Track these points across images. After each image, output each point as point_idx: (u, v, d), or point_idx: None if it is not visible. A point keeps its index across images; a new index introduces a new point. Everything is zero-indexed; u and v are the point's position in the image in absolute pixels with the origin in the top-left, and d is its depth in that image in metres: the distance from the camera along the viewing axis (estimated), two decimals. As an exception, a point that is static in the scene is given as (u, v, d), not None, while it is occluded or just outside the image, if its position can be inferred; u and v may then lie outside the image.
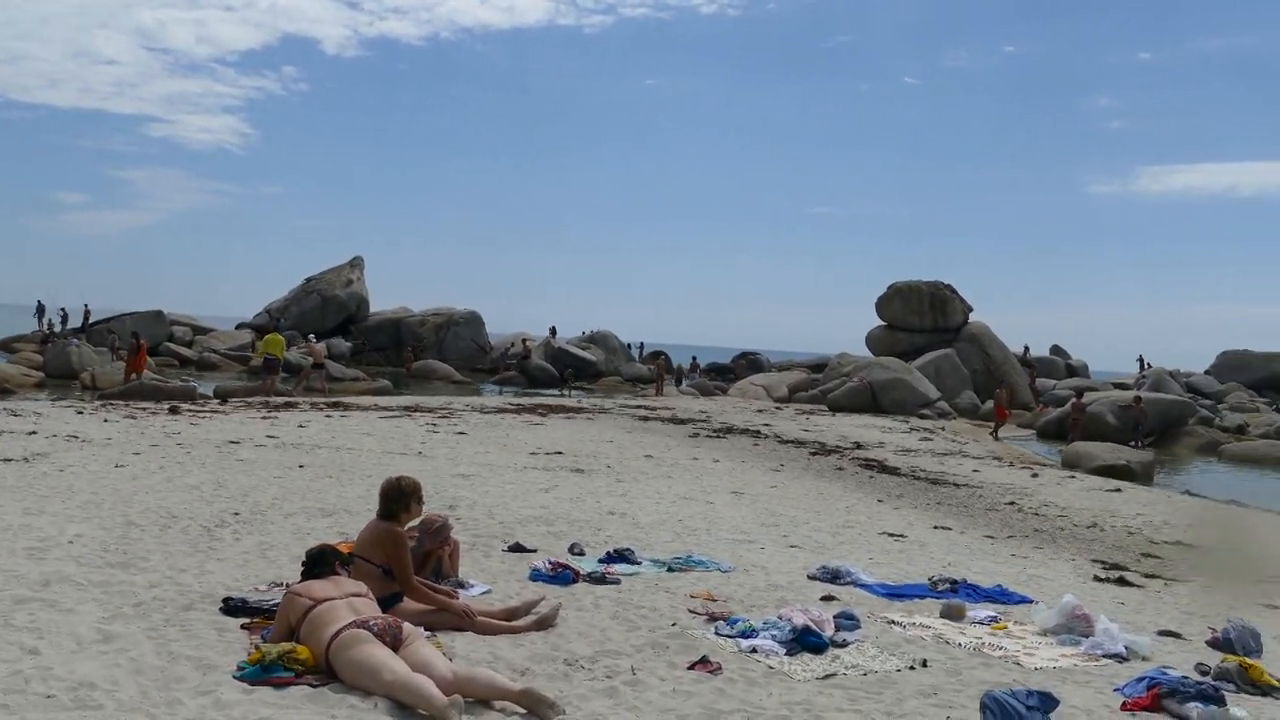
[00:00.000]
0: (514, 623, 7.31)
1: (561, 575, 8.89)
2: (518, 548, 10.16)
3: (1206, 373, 58.05)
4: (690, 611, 8.09)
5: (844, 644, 7.40)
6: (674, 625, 7.65)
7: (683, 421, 29.65)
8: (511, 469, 16.63)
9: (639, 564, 9.76)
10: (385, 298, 67.70)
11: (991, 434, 35.46)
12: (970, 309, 50.55)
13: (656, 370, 49.90)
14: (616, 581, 8.99)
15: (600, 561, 9.69)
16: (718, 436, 26.03)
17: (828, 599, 8.90)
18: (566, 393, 43.86)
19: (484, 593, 8.35)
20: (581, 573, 9.05)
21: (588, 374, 53.14)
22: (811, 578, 9.81)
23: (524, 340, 57.20)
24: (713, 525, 12.63)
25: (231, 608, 7.19)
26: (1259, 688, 7.12)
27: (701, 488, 16.19)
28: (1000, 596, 9.66)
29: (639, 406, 35.64)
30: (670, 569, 9.71)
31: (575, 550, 10.17)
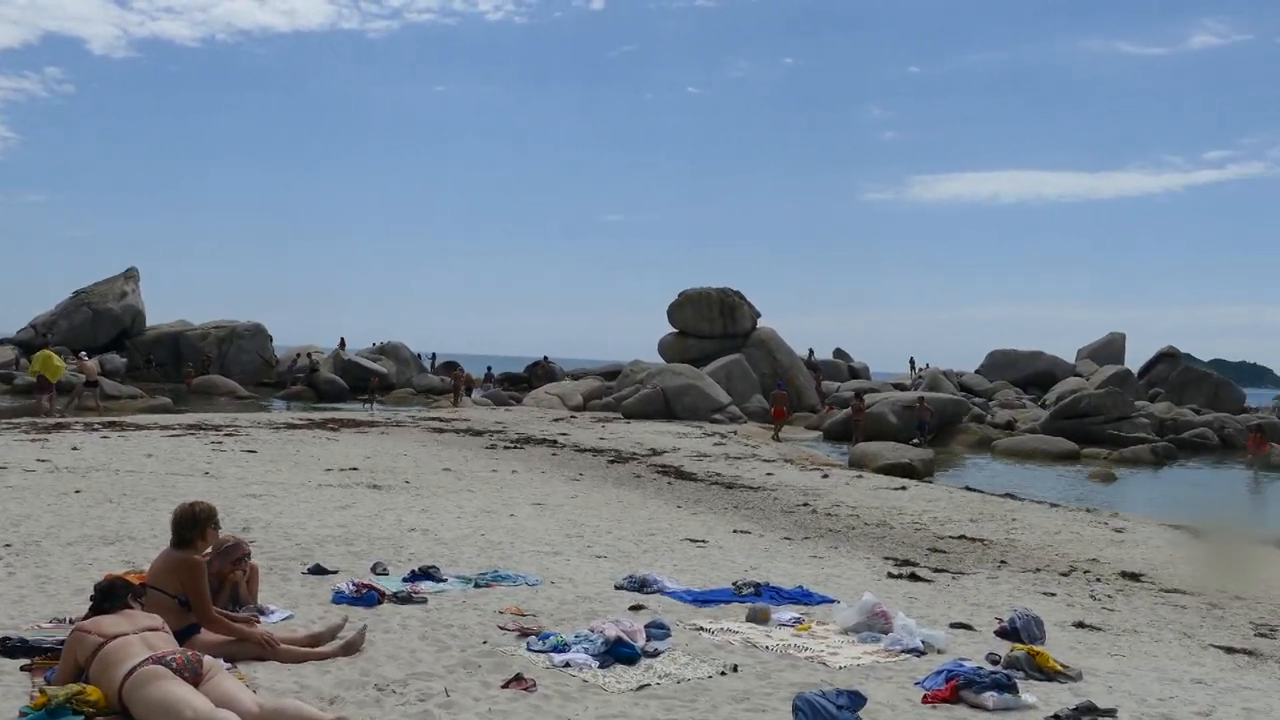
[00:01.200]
0: (319, 649, 7.06)
1: (366, 596, 8.65)
2: (318, 569, 9.83)
3: (977, 371, 61.02)
4: (500, 628, 7.99)
5: (656, 653, 7.44)
6: (485, 643, 7.54)
7: (479, 433, 29.39)
8: (306, 487, 16.13)
9: (445, 581, 9.58)
10: (163, 311, 64.81)
11: (773, 436, 36.31)
12: (758, 314, 51.81)
13: (454, 381, 49.36)
14: (423, 600, 8.80)
15: (405, 580, 9.48)
16: (515, 447, 25.90)
17: (637, 608, 8.94)
18: (369, 408, 42.70)
19: (285, 619, 8.04)
20: (386, 593, 8.83)
21: (381, 386, 52.08)
22: (619, 587, 9.84)
23: (310, 353, 55.66)
24: (517, 538, 12.53)
25: (9, 648, 6.70)
26: (1045, 673, 7.49)
27: (503, 500, 16.07)
28: (803, 598, 9.89)
29: (433, 418, 35.16)
30: (477, 585, 9.58)
31: (378, 570, 9.92)
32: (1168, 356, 61.93)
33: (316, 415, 33.88)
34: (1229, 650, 9.32)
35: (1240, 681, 8.09)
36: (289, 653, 6.90)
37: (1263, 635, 10.21)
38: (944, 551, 14.22)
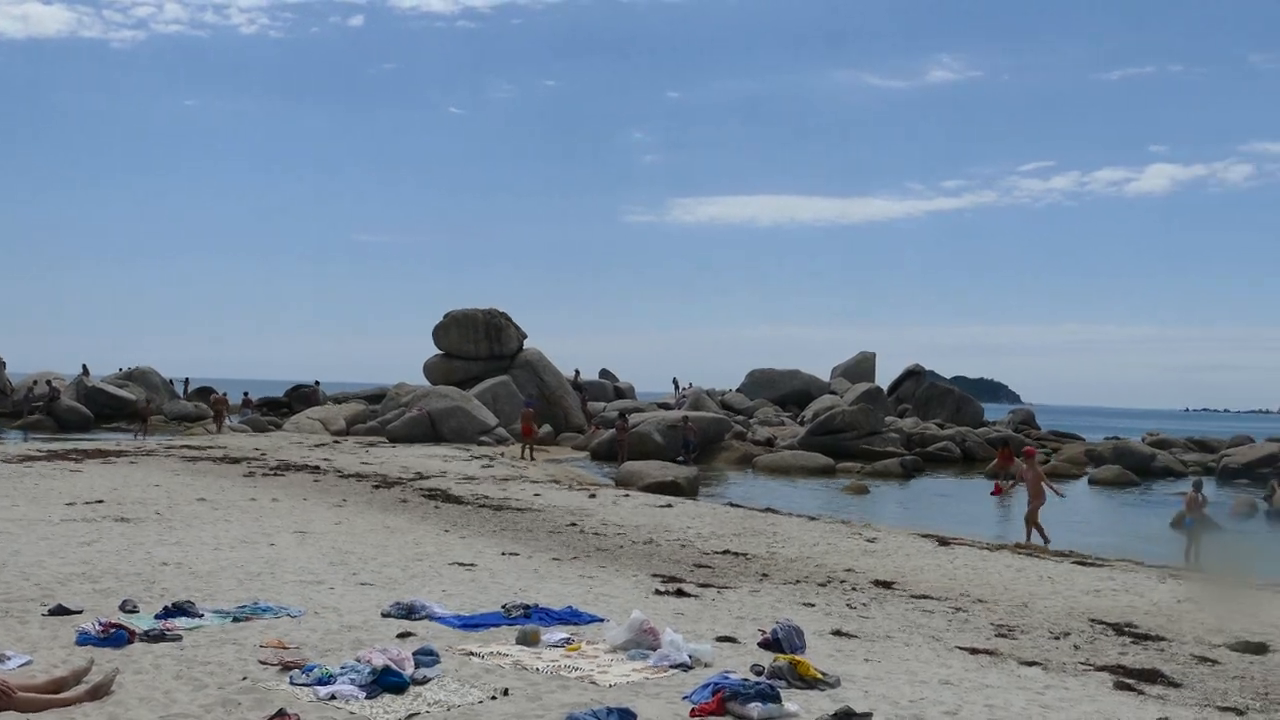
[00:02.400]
0: (63, 694, 6.65)
1: (114, 636, 8.19)
2: (60, 610, 9.26)
3: (738, 390, 62.76)
4: (262, 663, 7.71)
5: (425, 681, 7.33)
6: (245, 679, 7.26)
7: (236, 460, 28.31)
8: (45, 522, 15.18)
9: (201, 616, 9.19)
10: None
11: (522, 454, 36.19)
12: (525, 335, 51.83)
13: (214, 406, 47.45)
14: (178, 638, 8.41)
15: (157, 617, 9.03)
16: (275, 474, 25.07)
17: (405, 636, 8.79)
18: (139, 436, 40.12)
19: (24, 664, 7.53)
20: (137, 632, 8.39)
21: (126, 413, 49.53)
22: (386, 615, 9.66)
23: (49, 380, 52.41)
24: (277, 568, 12.12)
25: None
26: (807, 681, 7.77)
27: (262, 529, 15.52)
28: (572, 618, 9.94)
29: (186, 446, 33.66)
30: (236, 619, 9.22)
31: (128, 608, 9.43)
32: (914, 374, 65.30)
33: (59, 446, 31.94)
34: (973, 651, 9.86)
35: (983, 680, 8.58)
36: (28, 701, 6.47)
37: (1002, 635, 10.85)
38: (709, 567, 14.54)
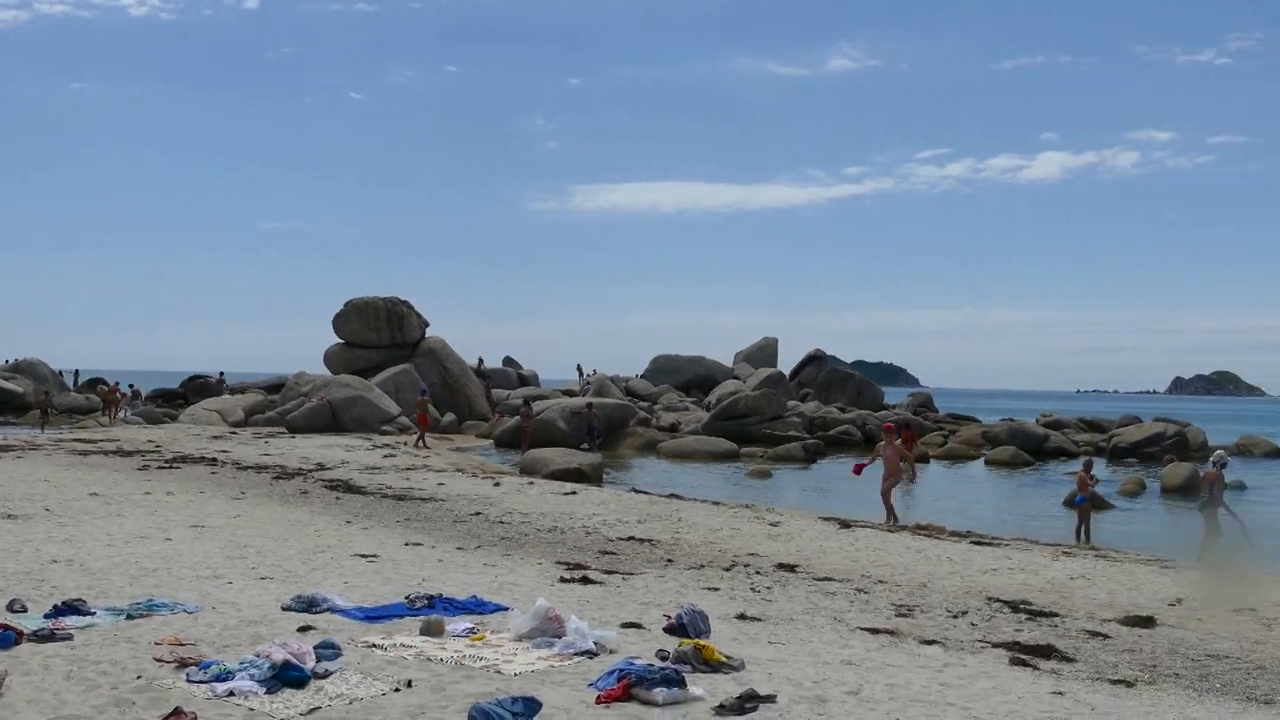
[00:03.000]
0: (-54, 699, 6.42)
1: (1, 637, 7.93)
2: (-57, 611, 8.94)
3: (642, 376, 62.86)
4: (157, 660, 7.53)
5: (326, 674, 7.23)
6: (139, 678, 7.09)
7: (130, 453, 27.62)
8: (-73, 521, 14.65)
9: (93, 615, 8.93)
10: None
11: (414, 443, 35.84)
12: (427, 324, 51.29)
13: (104, 397, 46.24)
14: (69, 637, 8.17)
15: (47, 617, 8.76)
16: (171, 467, 24.51)
17: (305, 629, 8.66)
18: (43, 429, 38.42)
19: (-96, 668, 7.26)
20: (25, 632, 8.13)
21: (14, 405, 48.03)
22: (286, 609, 9.50)
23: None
24: (173, 563, 11.85)
25: None
26: (711, 665, 7.82)
27: (157, 524, 15.15)
28: (476, 607, 9.88)
29: (77, 439, 32.75)
30: (130, 616, 8.99)
31: (15, 607, 9.13)
32: (815, 359, 66.04)
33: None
34: (874, 631, 10.02)
35: (884, 660, 8.72)
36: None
37: (902, 615, 11.04)
38: (614, 553, 14.56)
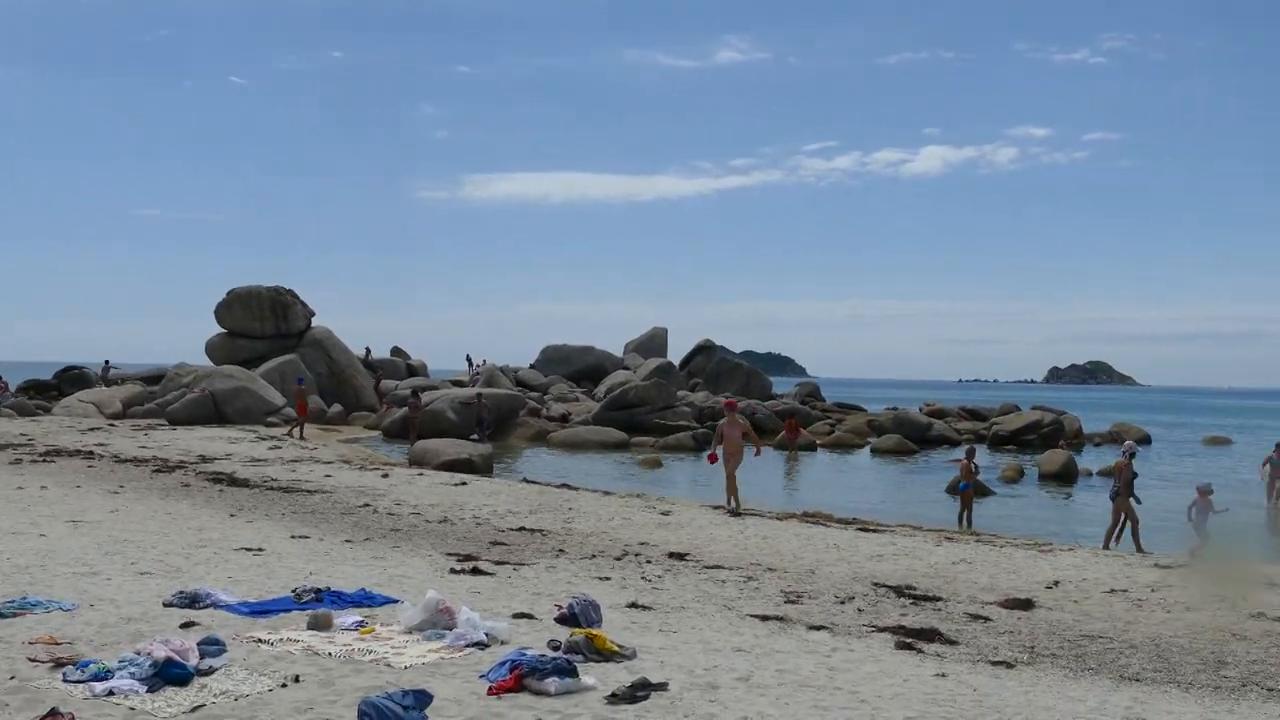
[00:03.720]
0: None
1: None
2: None
3: (532, 367, 62.66)
4: (31, 660, 7.28)
5: (210, 671, 7.06)
6: (12, 679, 6.84)
7: (1, 447, 26.66)
8: None
9: (-38, 614, 8.61)
10: None
11: (288, 432, 35.26)
12: (313, 313, 50.41)
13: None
14: (-64, 637, 7.86)
15: (-88, 617, 8.43)
16: (44, 461, 23.73)
17: (188, 625, 8.45)
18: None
19: None
20: (-111, 633, 7.81)
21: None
22: (168, 605, 9.27)
23: None
24: (48, 560, 11.47)
25: None
26: (603, 654, 7.83)
27: (30, 519, 14.65)
28: (365, 600, 9.76)
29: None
30: (2, 615, 8.68)
31: (-122, 607, 8.75)
32: (705, 349, 66.47)
33: None
34: (763, 618, 10.14)
35: (774, 646, 8.84)
36: None
37: (791, 602, 11.19)
38: (505, 544, 14.50)
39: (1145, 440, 48.83)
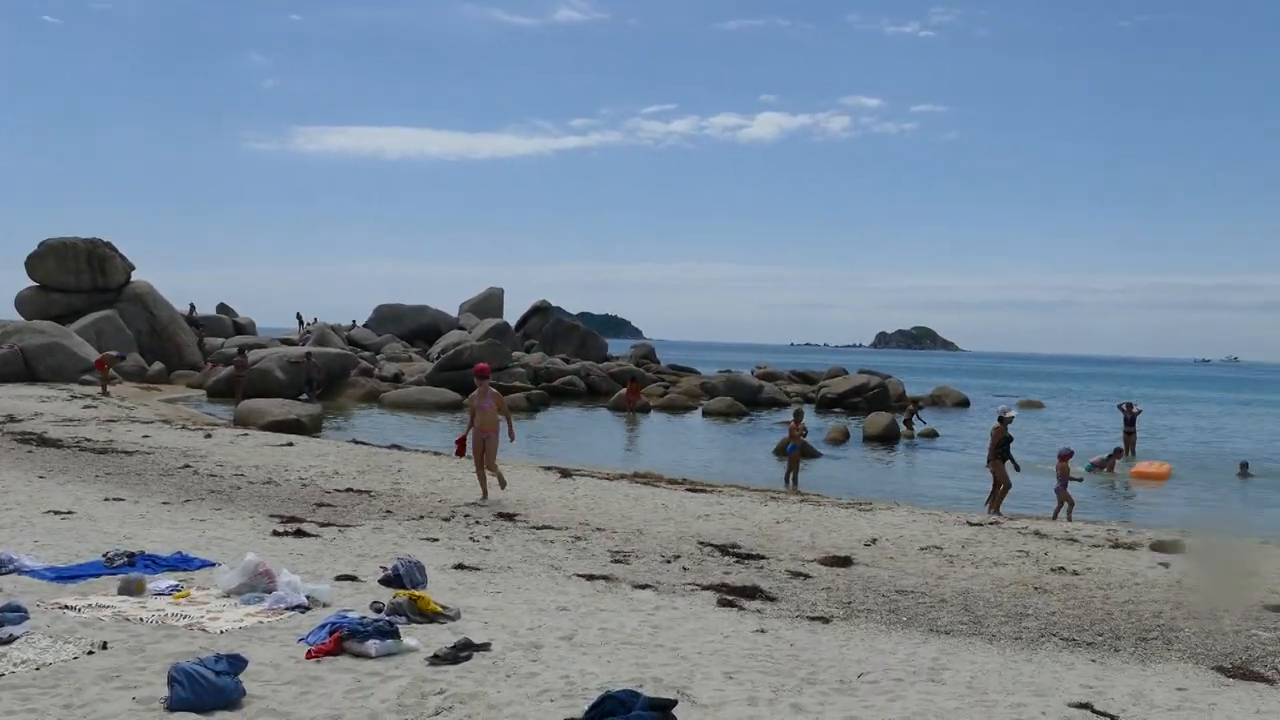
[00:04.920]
0: None
1: None
2: None
3: (365, 325, 61.63)
4: None
5: (10, 639, 6.76)
6: None
7: None
8: None
9: None
10: None
11: (102, 392, 34.03)
12: (133, 268, 48.44)
13: None
14: None
15: None
16: None
17: (-12, 592, 8.08)
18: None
19: None
20: None
21: None
22: (-34, 571, 8.83)
23: None
24: None
25: None
26: (427, 616, 7.79)
27: None
28: (181, 564, 9.48)
29: None
30: None
31: None
32: (541, 310, 66.39)
33: None
34: (590, 578, 10.23)
35: (599, 605, 8.92)
36: None
37: (618, 561, 11.31)
38: (331, 505, 14.27)
39: (964, 404, 50.81)
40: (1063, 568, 11.95)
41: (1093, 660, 8.20)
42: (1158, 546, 13.33)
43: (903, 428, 34.53)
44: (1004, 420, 18.95)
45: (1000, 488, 18.44)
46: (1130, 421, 30.60)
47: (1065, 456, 18.59)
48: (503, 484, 15.96)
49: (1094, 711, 6.57)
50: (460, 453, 16.20)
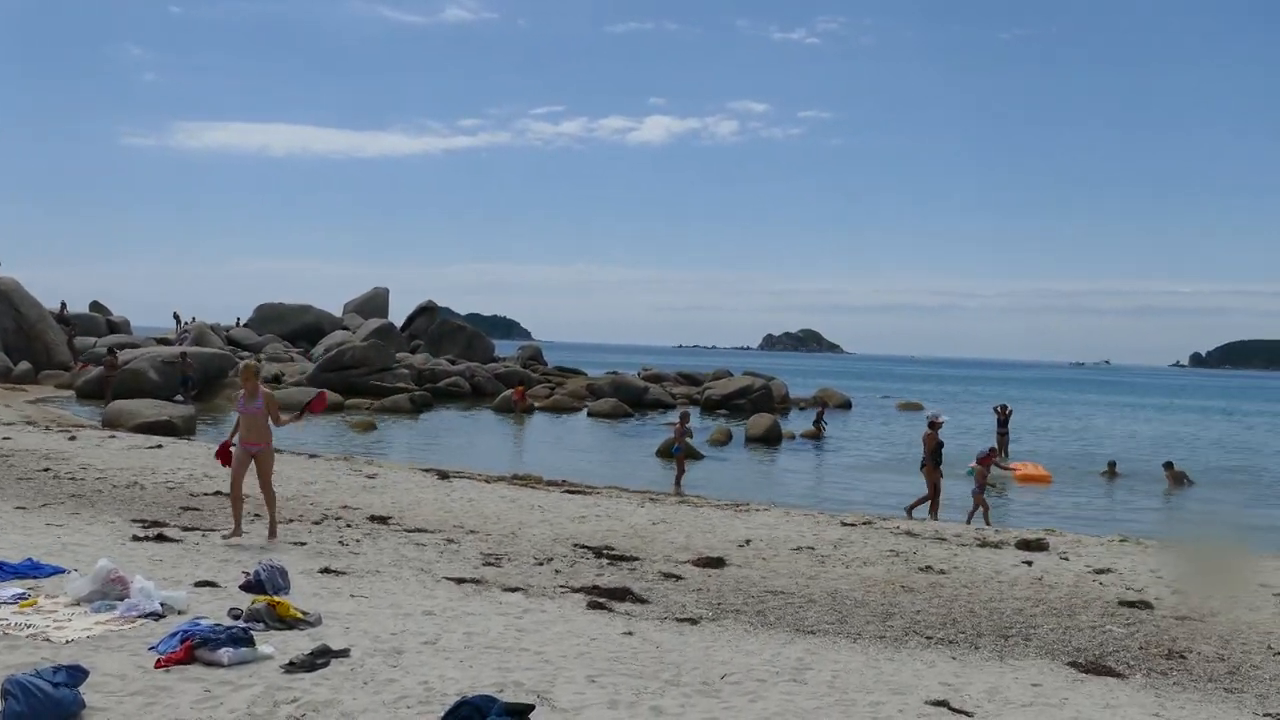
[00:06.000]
0: None
1: None
2: None
3: (246, 325, 60.31)
4: None
5: None
6: None
7: None
8: None
9: None
10: None
11: None
12: (-1, 263, 46.81)
13: None
14: None
15: None
16: None
17: None
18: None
19: None
20: None
21: None
22: None
23: None
24: None
25: None
26: (286, 622, 7.61)
27: None
28: (31, 571, 9.12)
29: None
30: None
31: None
32: (427, 310, 65.73)
33: None
34: (459, 581, 10.10)
35: (465, 608, 8.82)
36: None
37: (490, 564, 11.20)
38: (197, 509, 13.90)
39: (846, 405, 51.60)
40: (930, 567, 12.18)
41: (953, 658, 8.36)
42: (1022, 545, 13.67)
43: (813, 428, 35.91)
44: (934, 426, 18.86)
45: (936, 494, 18.29)
46: (1003, 423, 31.34)
47: (985, 460, 18.53)
48: (273, 529, 11.97)
49: (950, 709, 6.69)
50: (223, 459, 12.46)
